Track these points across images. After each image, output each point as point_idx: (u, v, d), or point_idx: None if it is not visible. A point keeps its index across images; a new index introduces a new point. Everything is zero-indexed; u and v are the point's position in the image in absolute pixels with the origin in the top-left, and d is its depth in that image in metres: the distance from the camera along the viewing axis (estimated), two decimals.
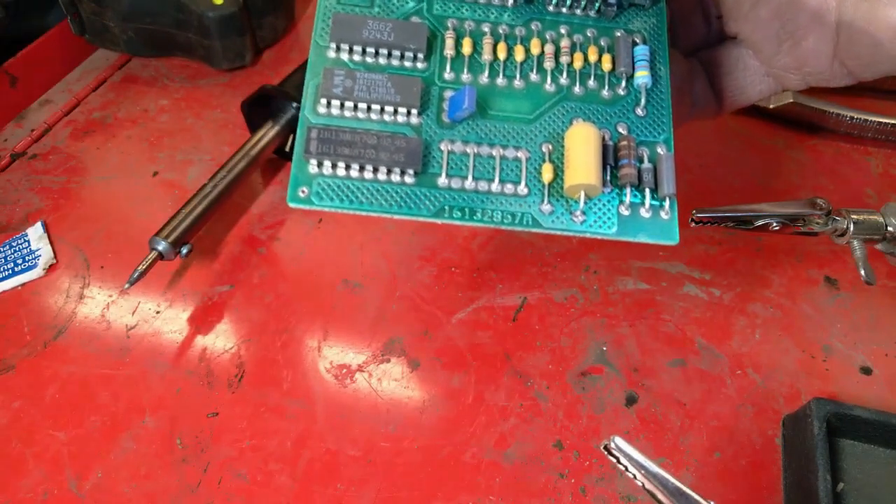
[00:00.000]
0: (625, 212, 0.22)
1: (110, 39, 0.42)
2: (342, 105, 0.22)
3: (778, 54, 0.25)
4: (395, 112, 0.22)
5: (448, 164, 0.22)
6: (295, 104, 0.36)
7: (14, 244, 0.34)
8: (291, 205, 0.21)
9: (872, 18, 0.22)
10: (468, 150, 0.22)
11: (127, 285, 0.30)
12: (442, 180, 0.22)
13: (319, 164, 0.21)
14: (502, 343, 0.30)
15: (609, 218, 0.22)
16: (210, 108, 0.41)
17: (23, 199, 0.36)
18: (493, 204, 0.22)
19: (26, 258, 0.33)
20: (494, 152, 0.22)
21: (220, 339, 0.31)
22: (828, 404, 0.25)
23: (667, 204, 0.22)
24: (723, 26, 0.27)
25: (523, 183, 0.22)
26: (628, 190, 0.22)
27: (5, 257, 0.33)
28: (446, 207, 0.21)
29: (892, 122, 0.38)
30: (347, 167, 0.21)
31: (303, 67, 0.38)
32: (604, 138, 0.22)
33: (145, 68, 0.44)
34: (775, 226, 0.30)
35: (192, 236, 0.32)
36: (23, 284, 0.33)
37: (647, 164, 0.22)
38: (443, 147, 0.22)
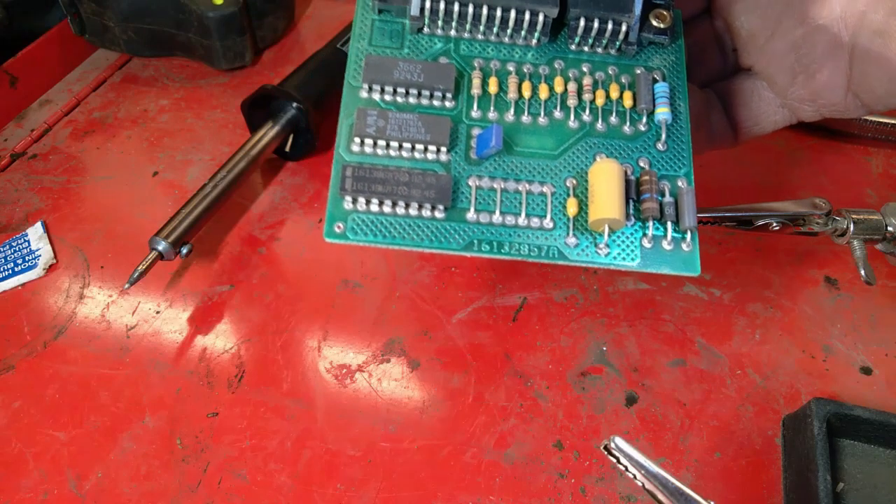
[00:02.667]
0: (647, 244, 0.22)
1: (110, 39, 0.42)
2: (375, 143, 0.23)
3: (793, 86, 0.25)
4: (426, 150, 0.23)
5: (476, 199, 0.22)
6: (295, 104, 0.36)
7: (14, 244, 0.34)
8: (328, 240, 0.22)
9: (886, 53, 0.22)
10: (495, 185, 0.23)
11: (127, 285, 0.30)
12: (471, 215, 0.22)
13: (354, 201, 0.22)
14: (502, 343, 0.30)
15: (633, 250, 0.22)
16: (210, 108, 0.41)
17: (23, 199, 0.36)
18: (520, 237, 0.22)
19: (26, 258, 0.33)
20: (521, 187, 0.23)
21: (220, 339, 0.31)
22: (828, 404, 0.25)
23: (688, 236, 0.22)
24: (738, 59, 0.27)
25: (549, 217, 0.22)
26: (650, 223, 0.22)
27: (5, 257, 0.33)
28: (475, 241, 0.22)
29: (892, 122, 0.38)
30: (381, 203, 0.22)
31: (303, 67, 0.39)
32: (626, 173, 0.23)
33: (145, 68, 0.44)
34: (775, 226, 0.30)
35: (192, 236, 0.32)
36: (23, 284, 0.33)
37: (668, 199, 0.23)
38: (471, 183, 0.23)
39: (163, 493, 0.26)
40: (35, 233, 0.34)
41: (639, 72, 0.24)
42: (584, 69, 0.25)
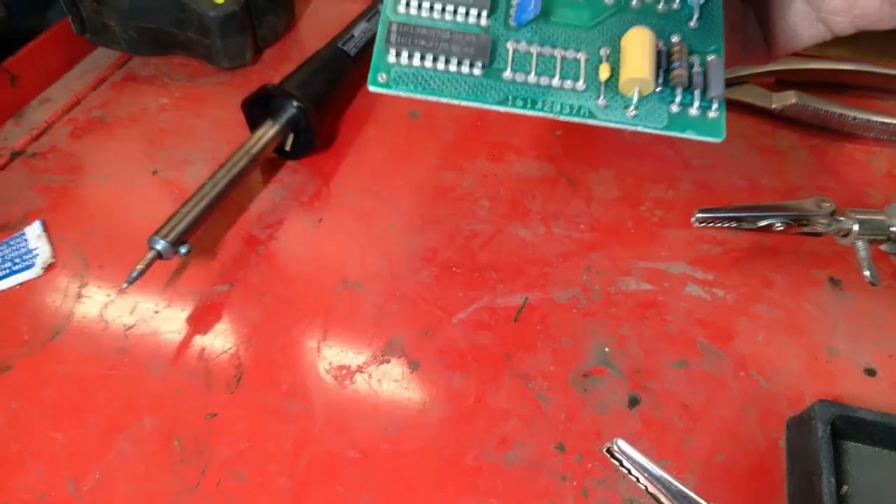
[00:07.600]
0: (675, 109, 0.23)
1: (110, 38, 0.42)
2: (420, 6, 0.24)
3: None
4: (467, 13, 0.24)
5: (513, 60, 0.23)
6: (295, 103, 0.36)
7: (12, 243, 0.34)
8: (371, 88, 0.23)
9: None
10: (532, 49, 0.24)
11: (125, 285, 0.30)
12: (507, 74, 0.23)
13: (398, 54, 0.23)
14: (503, 344, 0.30)
15: (660, 114, 0.23)
16: (210, 106, 0.41)
17: (22, 197, 0.36)
18: (553, 96, 0.23)
19: (24, 257, 0.33)
20: (556, 53, 0.24)
21: (219, 340, 0.30)
22: (832, 406, 0.25)
23: (715, 104, 0.23)
24: None
25: (582, 80, 0.23)
26: (679, 90, 0.23)
27: (3, 256, 0.33)
28: (510, 97, 0.23)
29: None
30: (422, 58, 0.23)
31: (303, 66, 0.38)
32: (658, 46, 0.24)
33: (145, 67, 0.44)
34: (779, 226, 0.30)
35: (191, 235, 0.32)
36: (21, 284, 0.32)
37: (697, 68, 0.23)
38: (509, 46, 0.24)
39: (161, 495, 0.26)
40: (33, 231, 0.34)
41: None
42: None
